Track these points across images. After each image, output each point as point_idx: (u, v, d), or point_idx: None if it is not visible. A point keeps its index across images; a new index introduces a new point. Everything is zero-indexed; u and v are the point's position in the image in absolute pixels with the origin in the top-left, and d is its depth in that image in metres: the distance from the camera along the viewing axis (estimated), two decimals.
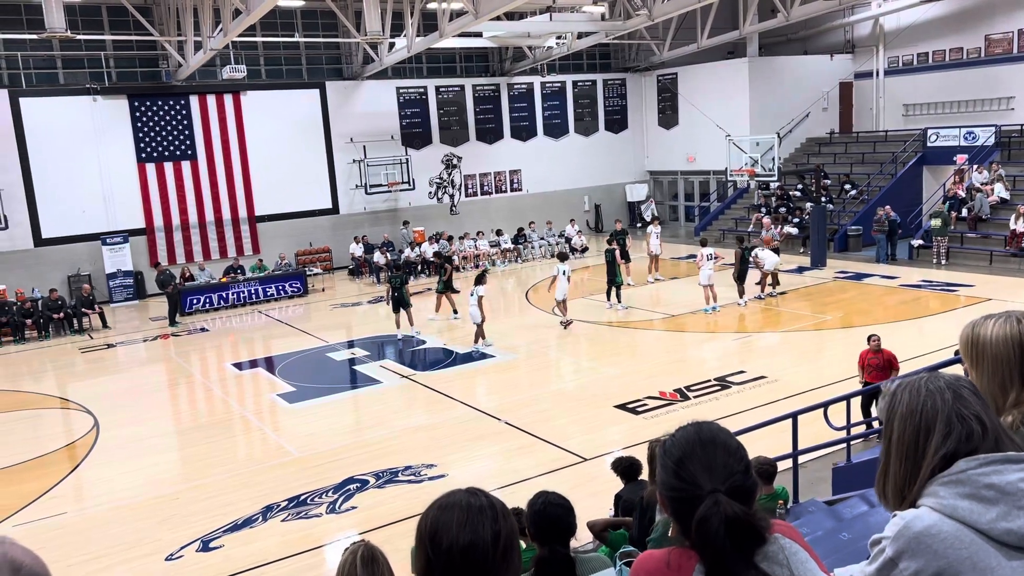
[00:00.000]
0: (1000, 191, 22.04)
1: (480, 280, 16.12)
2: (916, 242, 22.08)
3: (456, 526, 1.72)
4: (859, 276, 20.41)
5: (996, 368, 1.99)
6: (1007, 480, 1.58)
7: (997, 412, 1.96)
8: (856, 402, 8.87)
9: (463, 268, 24.04)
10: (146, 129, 23.56)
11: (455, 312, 18.46)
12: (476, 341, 15.90)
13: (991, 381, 1.99)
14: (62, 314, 20.00)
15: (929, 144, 25.12)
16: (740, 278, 18.08)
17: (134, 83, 23.84)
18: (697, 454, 1.72)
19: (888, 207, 22.29)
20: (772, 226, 20.85)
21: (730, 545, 1.62)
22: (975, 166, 23.34)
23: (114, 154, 23.06)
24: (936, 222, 21.19)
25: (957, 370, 2.44)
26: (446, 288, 18.51)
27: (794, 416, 8.43)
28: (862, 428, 9.50)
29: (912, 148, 25.54)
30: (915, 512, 1.63)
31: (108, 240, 22.67)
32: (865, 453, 8.88)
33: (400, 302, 17.01)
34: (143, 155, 23.56)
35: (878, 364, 10.15)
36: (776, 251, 19.33)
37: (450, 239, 24.87)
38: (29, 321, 19.70)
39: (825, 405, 8.82)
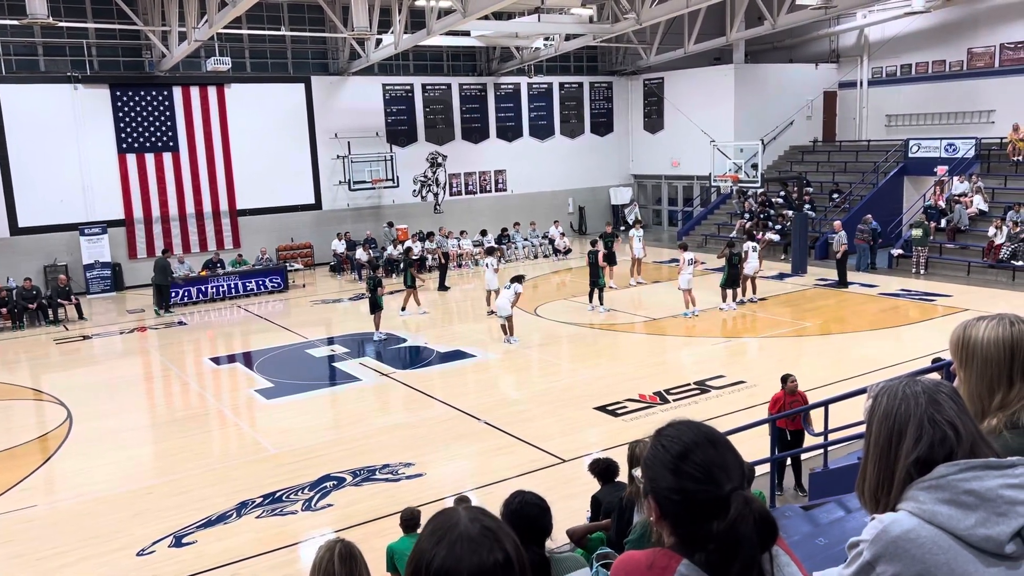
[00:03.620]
0: (979, 203, 22.30)
1: (519, 280, 16.19)
2: (896, 251, 22.28)
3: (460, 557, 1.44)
4: (839, 284, 20.53)
5: (985, 369, 1.99)
6: (987, 486, 1.58)
7: (983, 414, 1.96)
8: (835, 408, 8.87)
9: (449, 267, 23.85)
10: (128, 119, 23.30)
11: (402, 308, 18.86)
12: (507, 333, 15.99)
13: (979, 382, 1.99)
14: (36, 304, 19.75)
15: (910, 155, 25.35)
16: (731, 283, 18.15)
17: (116, 72, 23.56)
18: (711, 453, 1.65)
19: (868, 216, 22.48)
20: (842, 228, 20.74)
21: (759, 546, 1.57)
22: (955, 178, 23.59)
23: (94, 144, 22.78)
24: (917, 232, 21.40)
25: (936, 379, 2.44)
26: (413, 283, 18.85)
27: (772, 421, 8.47)
28: (845, 433, 9.47)
29: (894, 158, 25.77)
30: (894, 516, 1.62)
31: (86, 231, 22.40)
32: (841, 459, 8.92)
33: (373, 304, 16.96)
34: (124, 145, 23.30)
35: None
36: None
37: (447, 235, 25.35)
38: (4, 311, 19.43)
39: (803, 411, 8.86)
